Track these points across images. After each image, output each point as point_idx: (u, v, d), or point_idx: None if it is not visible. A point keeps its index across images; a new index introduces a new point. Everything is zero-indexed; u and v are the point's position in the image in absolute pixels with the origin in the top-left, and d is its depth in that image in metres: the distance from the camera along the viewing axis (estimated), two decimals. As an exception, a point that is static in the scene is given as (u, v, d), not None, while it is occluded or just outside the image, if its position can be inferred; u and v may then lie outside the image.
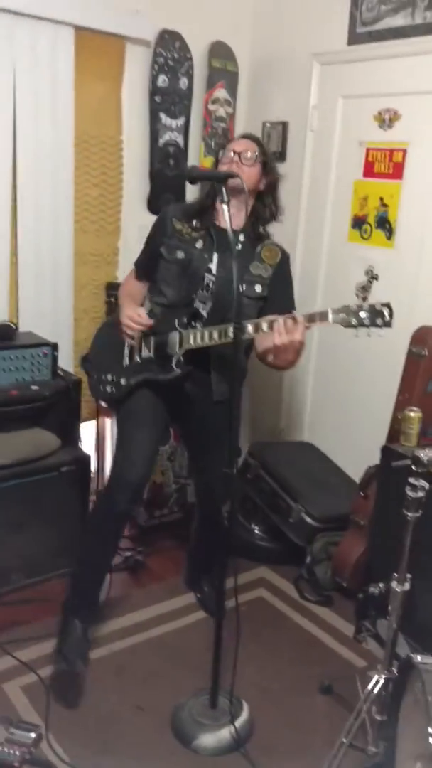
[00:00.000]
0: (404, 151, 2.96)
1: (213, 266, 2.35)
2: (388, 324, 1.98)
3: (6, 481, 2.71)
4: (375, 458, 2.92)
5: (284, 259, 2.45)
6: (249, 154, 2.28)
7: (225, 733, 2.15)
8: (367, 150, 3.12)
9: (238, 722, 2.18)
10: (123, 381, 2.45)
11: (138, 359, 2.45)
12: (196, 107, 3.47)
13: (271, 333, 2.05)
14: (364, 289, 3.22)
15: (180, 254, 2.36)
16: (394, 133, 3.00)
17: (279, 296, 2.42)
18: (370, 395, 3.24)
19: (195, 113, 3.47)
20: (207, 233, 2.37)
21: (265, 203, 2.37)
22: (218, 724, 2.18)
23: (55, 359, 2.89)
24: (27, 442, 2.82)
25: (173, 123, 3.40)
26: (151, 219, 3.38)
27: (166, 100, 3.35)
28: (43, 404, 2.80)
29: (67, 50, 2.97)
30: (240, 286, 2.26)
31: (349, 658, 2.60)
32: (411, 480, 1.84)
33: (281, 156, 3.50)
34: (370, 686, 1.98)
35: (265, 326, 2.08)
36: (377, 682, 1.98)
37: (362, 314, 1.96)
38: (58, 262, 3.16)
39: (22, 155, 2.94)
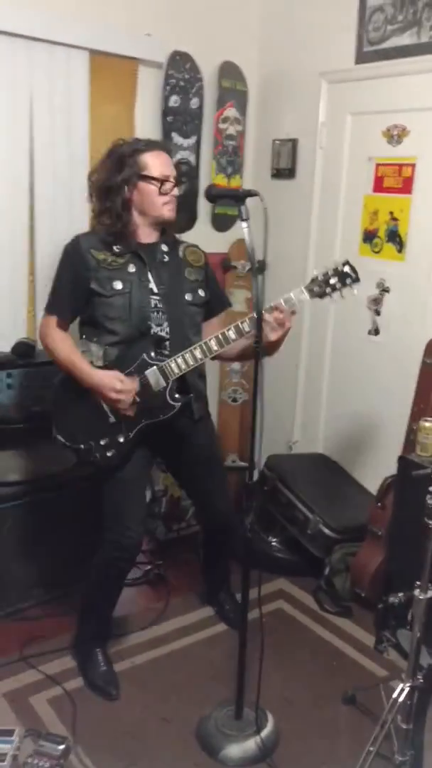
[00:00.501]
0: (413, 166, 3.01)
1: (153, 286, 2.30)
2: (356, 279, 2.15)
3: (27, 497, 2.75)
4: (390, 469, 2.95)
5: (206, 257, 2.49)
6: (174, 178, 2.29)
7: (251, 744, 2.17)
8: (377, 165, 3.17)
9: (264, 733, 2.20)
10: (121, 438, 2.29)
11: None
12: (207, 126, 3.54)
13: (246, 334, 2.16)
14: (376, 302, 3.26)
15: (118, 285, 2.24)
16: (402, 149, 3.05)
17: (216, 295, 2.50)
18: (384, 407, 3.26)
19: (206, 132, 3.54)
20: (134, 254, 2.29)
21: None
22: (244, 735, 2.19)
23: (74, 376, 2.93)
24: (46, 457, 2.86)
25: (185, 142, 3.47)
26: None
27: (178, 120, 3.42)
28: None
29: (82, 73, 3.04)
30: (185, 296, 2.36)
31: (371, 668, 2.61)
32: (431, 489, 1.87)
33: (291, 173, 3.57)
34: (395, 695, 1.99)
35: (246, 326, 2.16)
36: (402, 690, 1.99)
37: (332, 281, 2.12)
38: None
39: (39, 176, 3.00)
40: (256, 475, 2.06)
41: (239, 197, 1.97)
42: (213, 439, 2.64)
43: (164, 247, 2.36)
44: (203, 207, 3.61)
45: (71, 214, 3.12)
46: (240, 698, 2.23)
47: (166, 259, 2.35)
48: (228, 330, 2.19)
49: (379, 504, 2.89)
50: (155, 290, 2.30)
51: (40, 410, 2.79)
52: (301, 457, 3.50)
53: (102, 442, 2.29)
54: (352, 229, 3.32)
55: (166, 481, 3.38)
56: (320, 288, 2.14)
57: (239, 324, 2.17)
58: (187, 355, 2.21)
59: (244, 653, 2.20)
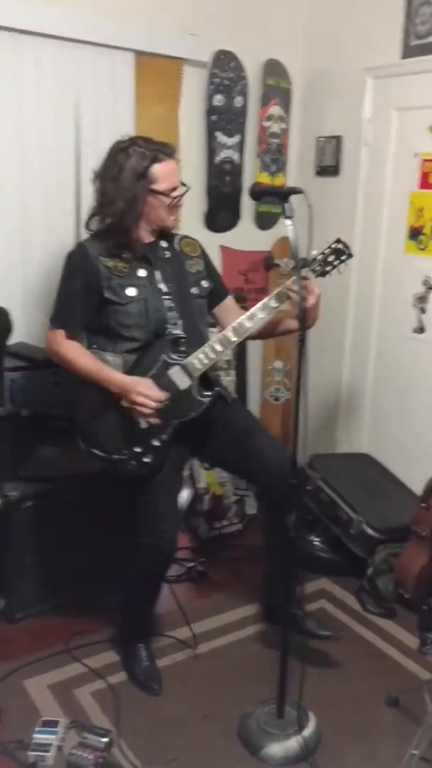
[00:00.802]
0: (460, 162, 2.97)
1: (162, 286, 2.28)
2: (350, 255, 2.25)
3: (66, 494, 2.78)
4: (434, 470, 2.92)
5: (201, 246, 2.48)
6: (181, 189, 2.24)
7: (293, 743, 2.16)
8: (423, 161, 3.13)
9: (306, 732, 2.19)
10: (156, 442, 2.25)
11: None
12: (251, 124, 3.54)
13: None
14: (422, 300, 3.22)
15: (132, 291, 2.21)
16: (449, 144, 3.01)
17: (217, 283, 2.47)
18: (428, 406, 3.22)
19: (250, 130, 3.55)
20: (142, 258, 2.26)
21: None
22: (286, 733, 2.19)
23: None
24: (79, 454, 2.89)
25: (229, 141, 3.47)
26: (210, 236, 3.51)
27: (222, 119, 3.43)
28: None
29: (127, 74, 3.08)
30: (191, 290, 2.35)
31: (415, 670, 2.58)
32: None
33: (335, 170, 3.54)
34: (439, 698, 1.97)
35: (274, 303, 2.20)
36: (447, 693, 1.97)
37: (330, 258, 2.22)
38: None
39: (85, 178, 3.02)
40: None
41: (283, 195, 1.96)
42: (248, 411, 2.62)
43: (163, 244, 2.34)
44: (247, 205, 3.62)
45: (117, 213, 3.16)
46: (282, 697, 2.22)
47: (168, 255, 2.33)
48: (242, 318, 2.21)
49: (424, 504, 2.85)
50: (165, 290, 2.28)
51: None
52: (344, 457, 3.48)
53: (137, 450, 2.25)
54: (398, 227, 3.28)
55: (208, 479, 3.40)
56: (321, 267, 2.23)
57: (252, 312, 2.21)
58: (207, 350, 2.22)
59: (287, 651, 2.19)
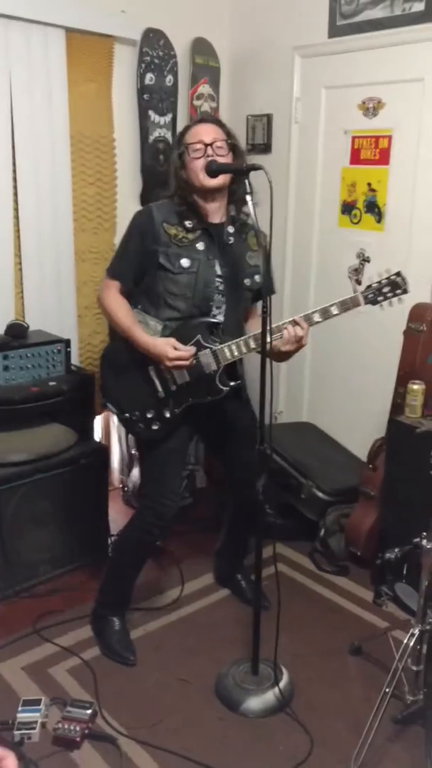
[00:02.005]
0: (389, 138, 3.10)
1: (218, 268, 2.31)
2: (406, 290, 2.24)
3: (30, 477, 2.78)
4: (374, 433, 3.08)
5: (266, 242, 2.39)
6: (220, 143, 2.21)
7: (270, 696, 2.28)
8: (353, 138, 3.25)
9: (281, 685, 2.30)
10: (167, 414, 2.33)
11: (173, 387, 2.32)
12: (182, 103, 3.56)
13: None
14: (357, 272, 3.36)
15: (186, 262, 2.26)
16: (378, 121, 3.14)
17: (267, 280, 2.41)
18: (366, 374, 3.38)
19: (181, 109, 3.56)
20: (204, 233, 2.28)
21: (239, 188, 2.24)
22: (262, 688, 2.30)
23: (68, 355, 2.97)
24: (47, 437, 2.90)
25: (161, 120, 3.49)
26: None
27: (154, 98, 3.43)
28: (60, 399, 2.87)
29: (59, 52, 3.03)
30: (244, 281, 2.37)
31: (371, 620, 2.75)
32: (437, 444, 1.98)
33: (267, 148, 3.62)
34: (406, 639, 2.12)
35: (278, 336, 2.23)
36: (413, 635, 2.12)
37: (385, 289, 2.18)
38: (60, 261, 3.23)
39: (21, 158, 3.00)
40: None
41: (243, 172, 2.01)
42: (253, 415, 2.61)
43: (230, 229, 2.33)
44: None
45: (54, 194, 3.13)
46: (256, 654, 2.33)
47: (231, 241, 2.33)
48: (282, 324, 2.24)
49: (371, 466, 3.01)
50: (219, 272, 2.29)
51: (37, 391, 2.82)
52: (289, 426, 3.60)
53: (148, 415, 2.34)
54: (331, 202, 3.40)
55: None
56: (374, 295, 2.23)
57: (288, 323, 2.24)
58: (242, 344, 2.24)
59: (259, 611, 2.30)
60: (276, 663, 2.32)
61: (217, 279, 2.31)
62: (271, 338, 2.09)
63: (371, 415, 3.33)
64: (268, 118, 3.59)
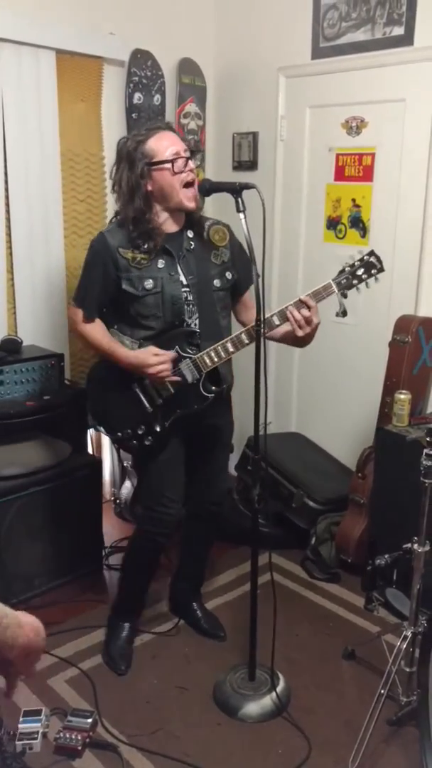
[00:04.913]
0: (373, 155, 3.20)
1: (182, 278, 2.29)
2: (381, 268, 2.21)
3: (26, 490, 2.81)
4: (362, 443, 3.15)
5: (231, 232, 2.44)
6: (188, 152, 2.23)
7: (267, 701, 2.32)
8: (337, 155, 3.35)
9: (278, 690, 2.35)
10: (158, 428, 2.34)
11: (159, 400, 2.34)
12: (170, 122, 3.62)
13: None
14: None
15: (149, 284, 2.25)
16: (362, 139, 3.23)
17: (244, 272, 2.41)
18: (353, 385, 3.46)
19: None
20: (161, 249, 2.27)
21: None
22: (259, 693, 2.35)
23: (62, 369, 3.01)
24: (42, 450, 2.93)
25: (150, 138, 3.55)
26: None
27: (142, 117, 3.50)
28: (55, 413, 2.91)
29: (49, 72, 3.10)
30: (213, 282, 2.36)
31: (364, 625, 2.80)
32: (427, 450, 2.05)
33: (253, 165, 3.71)
34: (399, 642, 2.18)
35: (277, 320, 2.24)
36: (405, 637, 2.18)
37: (359, 272, 2.19)
38: (51, 277, 3.28)
39: (13, 175, 3.05)
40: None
41: (236, 190, 2.07)
42: (232, 421, 2.68)
43: (189, 234, 2.33)
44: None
45: (46, 208, 3.19)
46: (253, 660, 2.38)
47: (192, 246, 2.32)
48: (284, 308, 2.23)
49: (360, 474, 3.08)
50: (185, 282, 2.29)
51: (32, 405, 2.86)
52: (278, 437, 3.65)
53: (139, 431, 2.35)
54: (317, 217, 3.49)
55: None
56: (348, 280, 2.21)
57: (270, 317, 2.22)
58: (220, 348, 2.24)
59: (256, 617, 2.35)
60: (273, 669, 2.36)
61: (184, 291, 2.30)
62: (265, 346, 2.14)
63: (359, 425, 3.40)
64: (254, 136, 3.68)
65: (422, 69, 2.92)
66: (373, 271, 2.21)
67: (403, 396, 2.85)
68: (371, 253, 2.21)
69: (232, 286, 2.43)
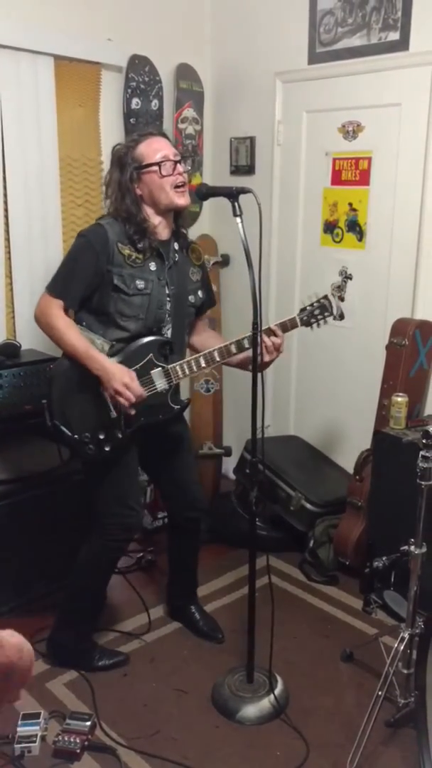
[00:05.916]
0: (369, 159, 3.22)
1: (167, 288, 2.31)
2: (333, 315, 2.36)
3: (24, 493, 2.81)
4: (360, 445, 3.16)
5: (203, 256, 2.51)
6: (177, 156, 2.25)
7: (265, 704, 2.33)
8: (334, 159, 3.37)
9: (276, 692, 2.35)
10: (119, 435, 2.28)
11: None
12: (167, 127, 3.65)
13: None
14: (340, 289, 3.40)
15: (140, 284, 2.23)
16: (358, 144, 3.25)
17: (206, 296, 2.51)
18: (351, 388, 3.47)
19: (167, 132, 3.64)
20: (155, 253, 2.27)
21: None
22: (258, 696, 2.35)
23: (60, 373, 3.01)
24: (39, 454, 2.93)
25: (147, 143, 3.57)
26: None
27: (140, 122, 3.52)
28: (53, 417, 2.91)
29: (48, 78, 3.12)
30: (188, 298, 2.41)
31: (362, 627, 2.81)
32: (423, 453, 2.06)
33: (250, 169, 3.73)
34: (396, 644, 2.19)
35: (246, 343, 2.25)
36: (403, 639, 2.19)
37: (316, 312, 2.31)
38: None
39: (11, 180, 3.06)
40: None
41: (233, 194, 2.09)
42: (188, 428, 2.69)
43: (176, 246, 2.36)
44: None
45: (44, 212, 3.20)
46: (251, 662, 2.38)
47: (177, 258, 2.35)
48: (230, 344, 2.27)
49: (358, 477, 3.09)
50: (167, 291, 2.31)
51: (30, 409, 2.87)
52: (276, 440, 3.67)
53: (100, 436, 2.28)
54: (314, 221, 3.51)
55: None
56: (308, 318, 2.33)
57: (241, 340, 2.25)
58: (193, 362, 2.27)
59: (254, 620, 2.36)
60: (271, 671, 2.37)
61: (168, 299, 2.32)
62: (256, 354, 2.15)
63: (357, 428, 3.41)
64: (251, 140, 3.70)
65: (418, 74, 2.94)
66: (326, 314, 2.34)
67: (400, 399, 2.87)
68: (326, 297, 2.35)
69: (200, 306, 2.49)
